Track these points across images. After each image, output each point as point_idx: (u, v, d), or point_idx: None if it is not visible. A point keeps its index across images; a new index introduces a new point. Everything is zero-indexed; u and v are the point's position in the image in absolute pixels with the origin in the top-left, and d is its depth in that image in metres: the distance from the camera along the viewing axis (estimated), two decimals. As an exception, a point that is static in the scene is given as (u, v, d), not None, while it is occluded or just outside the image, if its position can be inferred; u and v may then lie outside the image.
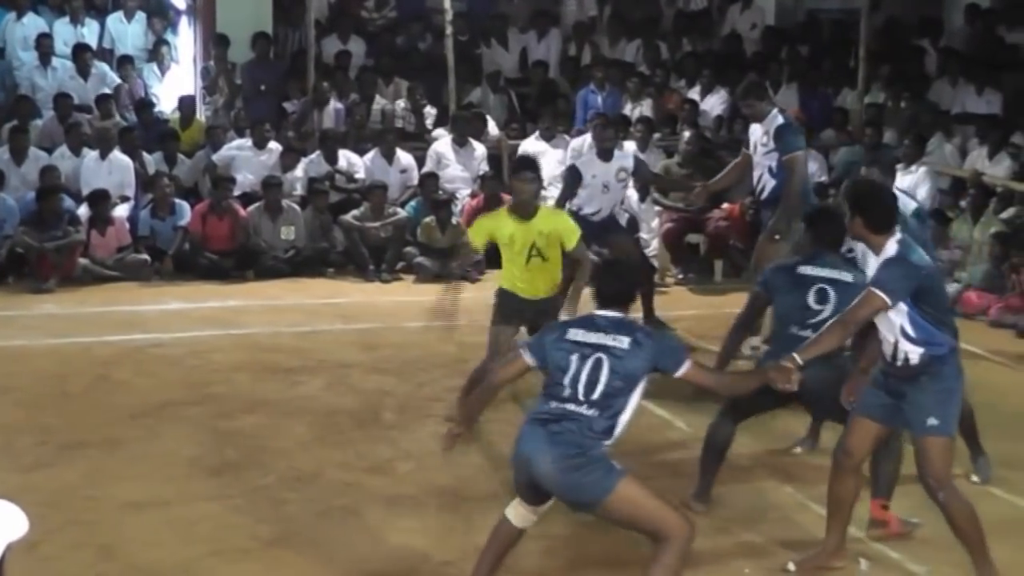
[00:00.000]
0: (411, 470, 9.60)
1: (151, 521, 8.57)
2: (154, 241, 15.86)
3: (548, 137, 17.56)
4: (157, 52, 18.87)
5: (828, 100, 19.50)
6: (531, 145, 17.51)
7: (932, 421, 7.41)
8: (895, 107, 18.93)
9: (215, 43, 18.48)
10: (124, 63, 18.45)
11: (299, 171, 16.95)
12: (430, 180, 16.64)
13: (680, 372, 7.07)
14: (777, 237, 11.62)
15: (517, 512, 7.14)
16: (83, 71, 18.12)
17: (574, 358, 6.99)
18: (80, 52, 18.23)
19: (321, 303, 14.74)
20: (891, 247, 7.42)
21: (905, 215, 8.77)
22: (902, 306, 7.32)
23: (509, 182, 11.42)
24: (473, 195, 16.91)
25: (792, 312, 8.88)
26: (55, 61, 18.19)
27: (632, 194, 16.00)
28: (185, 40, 18.95)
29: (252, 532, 8.45)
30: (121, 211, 15.91)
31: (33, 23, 18.55)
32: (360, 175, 17.01)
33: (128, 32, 19.16)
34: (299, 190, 16.72)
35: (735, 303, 12.13)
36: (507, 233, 10.09)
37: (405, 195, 16.98)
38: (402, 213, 16.38)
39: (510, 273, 10.20)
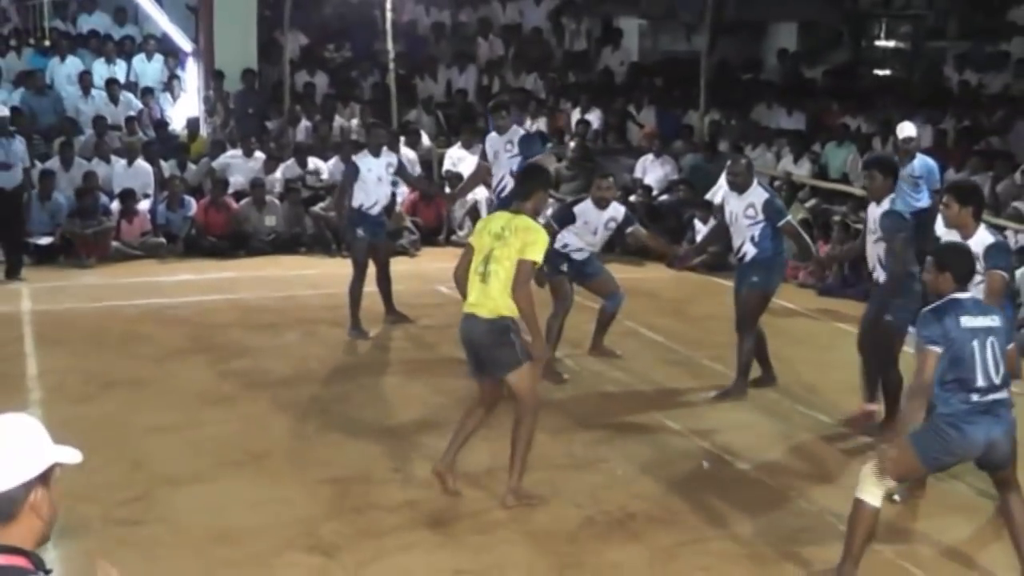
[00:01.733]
0: (366, 399, 9.65)
1: (169, 441, 8.61)
2: (169, 228, 15.77)
3: (467, 146, 17.56)
4: (171, 84, 18.75)
5: (678, 119, 19.56)
6: (455, 152, 17.55)
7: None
8: (728, 124, 19.06)
9: (214, 77, 18.38)
10: (146, 93, 18.34)
11: (278, 174, 16.88)
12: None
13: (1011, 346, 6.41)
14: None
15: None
16: (114, 99, 18.01)
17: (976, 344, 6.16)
18: (111, 85, 18.14)
19: (295, 274, 14.68)
20: (988, 235, 7.27)
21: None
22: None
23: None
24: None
25: None
26: (93, 92, 18.05)
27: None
28: (191, 75, 18.78)
29: (245, 448, 8.48)
30: (144, 205, 15.82)
31: (73, 63, 18.38)
32: (325, 176, 16.97)
33: (148, 69, 19.01)
34: (278, 188, 16.64)
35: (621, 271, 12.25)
36: None
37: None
38: (357, 205, 16.34)
39: None
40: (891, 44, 25.40)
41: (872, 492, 6.34)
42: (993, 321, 6.21)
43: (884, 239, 8.57)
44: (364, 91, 19.67)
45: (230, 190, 16.31)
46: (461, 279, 7.48)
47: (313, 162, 17.10)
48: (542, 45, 22.08)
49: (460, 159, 17.41)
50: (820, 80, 21.80)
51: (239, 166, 16.91)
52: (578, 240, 10.46)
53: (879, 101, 19.02)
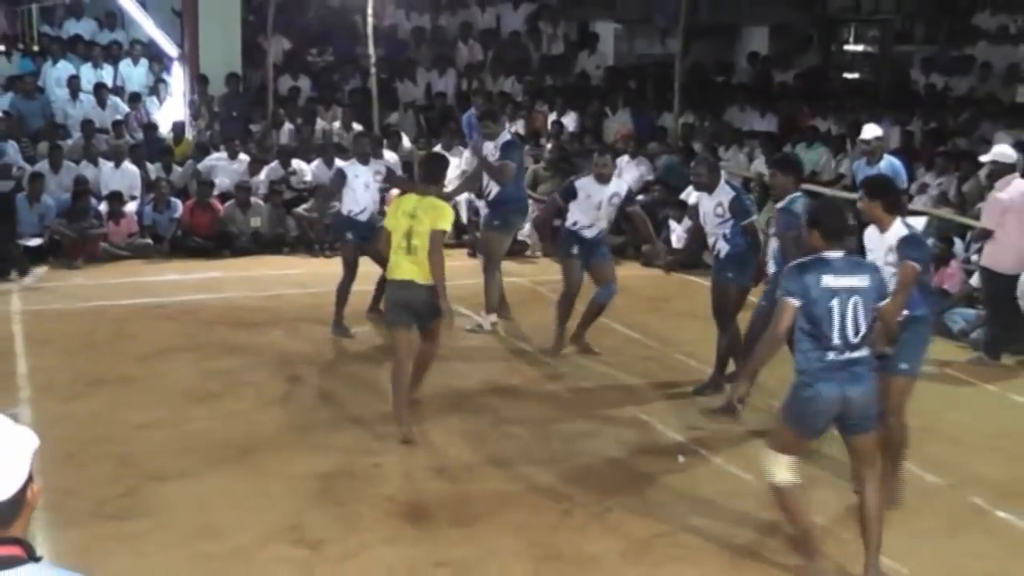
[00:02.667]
0: (348, 396, 9.65)
1: (156, 437, 8.58)
2: (155, 229, 15.72)
3: (447, 147, 17.56)
4: (156, 88, 18.67)
5: (652, 121, 19.56)
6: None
7: (904, 365, 7.28)
8: (701, 126, 19.09)
9: (199, 81, 18.33)
10: (132, 97, 18.26)
11: (262, 176, 16.83)
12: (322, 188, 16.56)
13: (884, 303, 6.52)
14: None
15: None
16: (102, 103, 17.90)
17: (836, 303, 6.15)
18: (99, 89, 18.05)
19: (279, 274, 14.62)
20: (901, 227, 7.21)
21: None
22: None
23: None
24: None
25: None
26: (81, 96, 17.99)
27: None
28: (177, 79, 18.71)
29: (231, 444, 8.47)
30: (131, 207, 15.77)
31: (64, 67, 18.30)
32: (308, 178, 16.92)
33: (135, 74, 18.94)
34: (262, 190, 16.61)
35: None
36: None
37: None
38: (339, 206, 16.30)
39: None
40: (860, 48, 25.54)
41: (777, 472, 6.42)
42: (861, 282, 6.19)
43: (777, 235, 8.71)
44: (346, 94, 19.64)
45: (215, 192, 16.25)
46: (384, 253, 8.81)
47: (296, 164, 17.05)
48: (520, 49, 22.07)
49: (440, 160, 17.46)
50: (791, 83, 21.87)
51: (224, 168, 16.87)
52: (585, 216, 10.79)
53: (848, 103, 19.09)
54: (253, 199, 16.07)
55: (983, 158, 11.75)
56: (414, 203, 8.60)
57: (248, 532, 6.98)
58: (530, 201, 16.59)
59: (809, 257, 6.36)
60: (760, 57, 22.82)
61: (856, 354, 6.19)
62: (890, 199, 7.35)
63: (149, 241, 15.49)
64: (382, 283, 11.83)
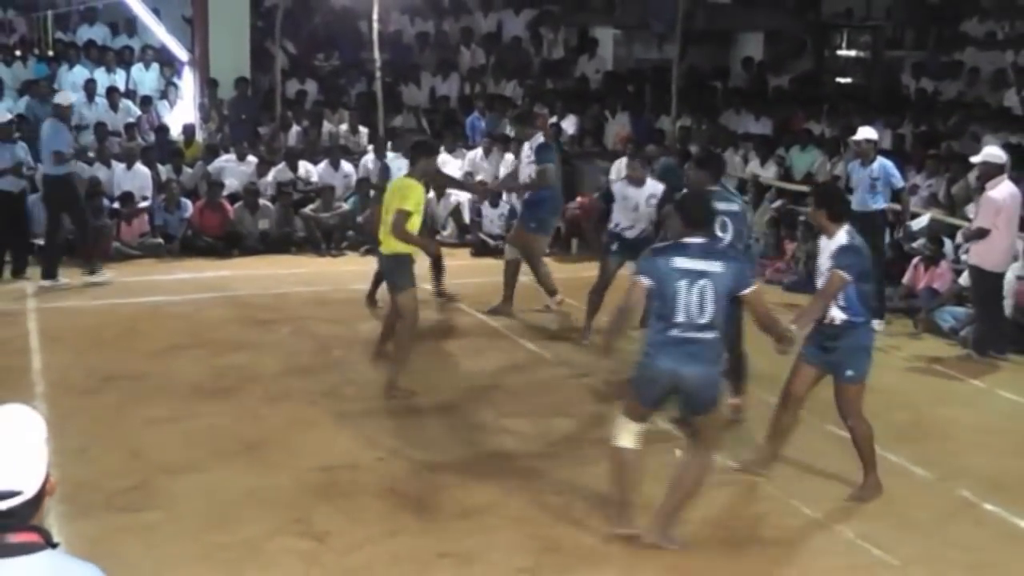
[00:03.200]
0: (353, 393, 9.64)
1: (166, 431, 8.59)
2: (166, 229, 15.72)
3: (451, 150, 17.60)
4: (167, 92, 18.69)
5: (651, 124, 19.53)
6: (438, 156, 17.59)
7: (850, 372, 7.36)
8: (698, 128, 19.06)
9: (208, 85, 18.35)
10: (144, 100, 18.27)
11: (270, 177, 16.85)
12: (364, 183, 16.59)
13: (749, 291, 6.53)
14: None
15: None
16: (114, 106, 17.92)
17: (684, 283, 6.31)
18: (112, 93, 18.05)
19: (287, 272, 14.61)
20: (843, 236, 7.28)
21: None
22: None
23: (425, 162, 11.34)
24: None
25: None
26: (96, 99, 18.02)
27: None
28: (187, 83, 18.72)
29: (239, 438, 8.48)
30: (142, 207, 15.77)
31: (80, 72, 18.32)
32: (314, 179, 16.93)
33: (146, 78, 18.94)
34: (270, 191, 16.63)
35: (585, 269, 12.31)
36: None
37: (347, 193, 16.90)
38: (345, 206, 16.30)
39: None
40: (852, 53, 25.53)
41: (620, 436, 6.70)
42: (713, 268, 6.30)
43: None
44: (352, 98, 19.63)
45: (224, 192, 16.24)
46: (374, 230, 9.86)
47: (303, 166, 17.06)
48: (521, 54, 22.06)
49: (444, 162, 17.40)
50: (785, 87, 21.86)
51: (232, 170, 16.86)
52: (624, 218, 11.09)
53: (841, 107, 19.07)
54: (262, 201, 16.06)
55: (974, 159, 11.77)
56: (396, 184, 9.69)
57: (256, 524, 6.98)
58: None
59: (669, 242, 6.67)
60: (755, 62, 22.80)
61: (699, 335, 6.31)
62: (835, 208, 7.40)
63: (160, 241, 15.49)
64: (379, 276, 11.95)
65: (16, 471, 2.97)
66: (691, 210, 6.55)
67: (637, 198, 11.01)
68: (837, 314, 7.29)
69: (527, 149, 11.95)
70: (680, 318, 6.28)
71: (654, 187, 11.09)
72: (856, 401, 7.46)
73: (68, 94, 14.70)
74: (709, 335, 6.33)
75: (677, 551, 6.73)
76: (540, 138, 12.05)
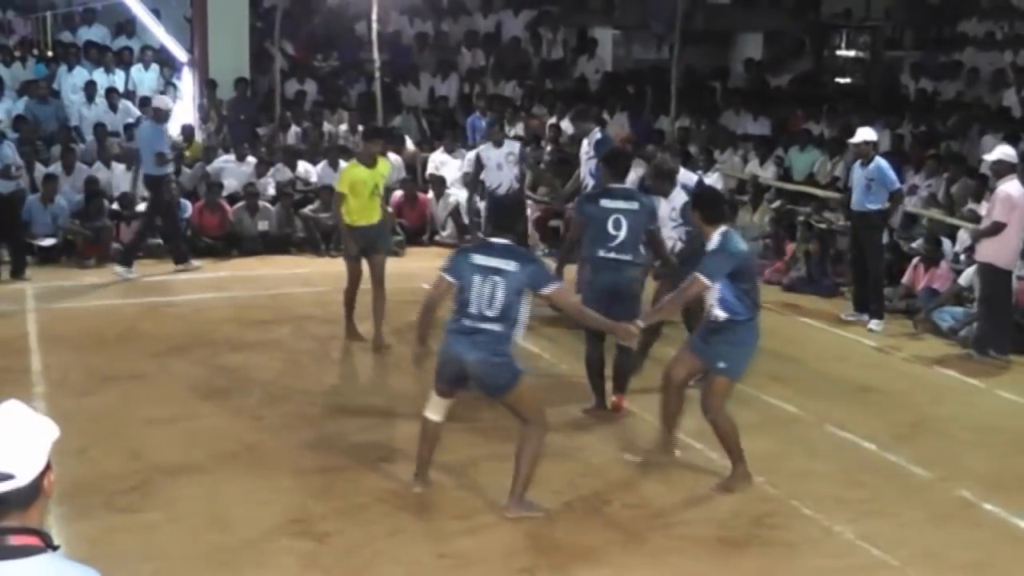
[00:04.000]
0: (353, 392, 9.66)
1: (166, 432, 8.59)
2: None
3: (450, 151, 17.60)
4: (167, 92, 18.68)
5: (650, 124, 19.53)
6: (437, 157, 17.60)
7: (721, 364, 7.49)
8: (697, 129, 19.07)
9: (208, 86, 18.35)
10: (143, 101, 18.27)
11: (269, 177, 16.88)
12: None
13: (549, 290, 6.98)
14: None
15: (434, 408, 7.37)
16: (113, 107, 17.94)
17: (477, 278, 6.86)
18: (111, 93, 18.07)
19: (287, 273, 14.64)
20: (716, 239, 7.41)
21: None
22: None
23: (362, 145, 11.92)
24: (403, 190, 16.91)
25: (599, 236, 8.78)
26: (96, 99, 18.02)
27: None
28: (187, 83, 18.73)
29: (238, 439, 8.48)
30: (141, 208, 15.74)
31: (80, 73, 18.33)
32: (314, 180, 16.93)
33: (146, 78, 18.93)
34: (270, 192, 16.64)
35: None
36: (361, 178, 10.90)
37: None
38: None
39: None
40: (851, 53, 25.54)
41: (428, 408, 7.33)
42: (507, 266, 6.82)
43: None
44: (351, 98, 19.63)
45: (224, 193, 16.23)
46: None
47: (303, 166, 17.06)
48: (520, 54, 22.07)
49: (443, 163, 17.48)
50: (785, 87, 21.86)
51: (232, 170, 16.86)
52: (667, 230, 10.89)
53: (840, 107, 19.08)
54: (262, 203, 16.04)
55: (988, 156, 11.85)
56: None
57: (256, 525, 6.98)
58: (529, 202, 16.71)
59: (478, 243, 7.27)
60: (754, 62, 22.82)
61: (486, 326, 6.82)
62: (708, 212, 7.55)
63: (159, 241, 15.46)
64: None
65: (7, 455, 2.97)
66: (500, 218, 7.32)
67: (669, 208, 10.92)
68: (719, 313, 7.46)
69: (585, 146, 11.94)
70: (472, 309, 6.82)
71: (685, 176, 10.79)
72: (721, 396, 7.61)
73: (166, 98, 15.01)
74: (496, 327, 6.82)
75: (680, 554, 6.73)
76: (598, 134, 11.97)
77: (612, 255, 8.73)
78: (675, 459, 8.12)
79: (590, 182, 11.80)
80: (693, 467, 8.12)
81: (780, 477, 7.93)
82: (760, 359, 10.51)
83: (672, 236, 9.66)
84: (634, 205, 8.82)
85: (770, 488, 7.76)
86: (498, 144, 13.10)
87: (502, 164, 12.92)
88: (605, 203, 8.84)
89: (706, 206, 7.60)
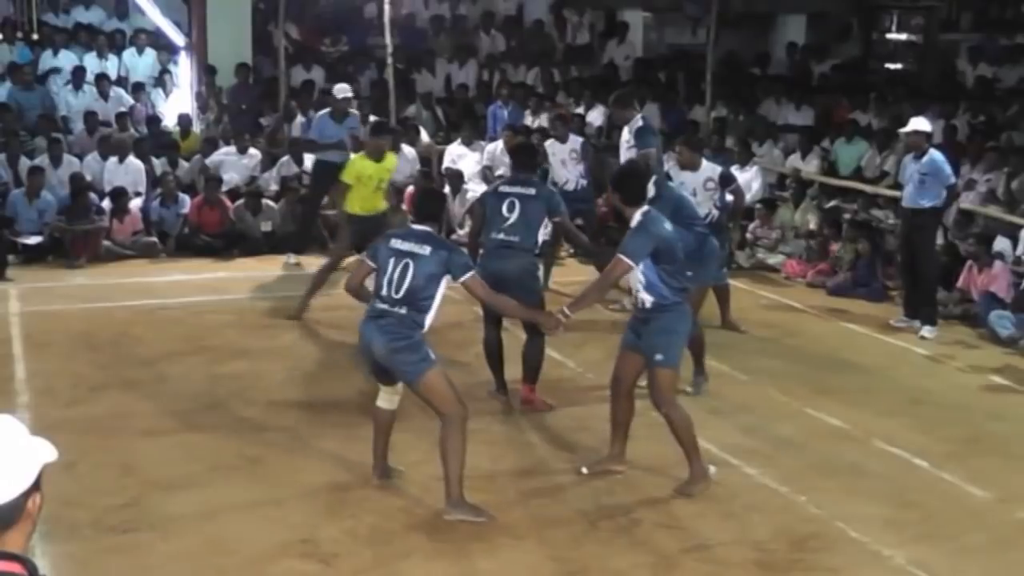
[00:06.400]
0: (363, 403, 9.63)
1: (161, 445, 8.60)
2: (161, 226, 15.77)
3: (468, 143, 17.61)
4: (162, 79, 18.75)
5: (683, 114, 19.48)
6: (454, 149, 17.59)
7: (659, 356, 7.65)
8: (734, 120, 19.04)
9: (207, 72, 18.42)
10: (137, 88, 18.34)
11: (274, 171, 16.92)
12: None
13: (462, 279, 7.34)
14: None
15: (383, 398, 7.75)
16: (104, 95, 18.02)
17: (392, 261, 7.29)
18: (101, 80, 18.14)
19: (292, 274, 14.62)
20: (636, 217, 7.67)
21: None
22: (642, 265, 7.56)
23: (370, 139, 12.26)
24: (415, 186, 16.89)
25: (493, 219, 9.31)
26: (84, 86, 18.09)
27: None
28: (184, 69, 18.80)
29: (240, 452, 8.49)
30: (135, 203, 15.81)
31: (66, 57, 18.43)
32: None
33: (140, 64, 19.03)
34: (274, 186, 16.68)
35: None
36: (368, 172, 11.79)
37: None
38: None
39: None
40: (902, 37, 25.41)
41: (378, 397, 7.74)
42: (421, 251, 7.25)
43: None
44: (361, 86, 19.64)
45: (223, 188, 16.26)
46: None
47: (310, 159, 17.06)
48: (544, 39, 22.09)
49: (460, 156, 17.46)
50: (829, 74, 21.79)
51: (233, 163, 16.90)
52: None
53: (890, 96, 19.00)
54: (265, 202, 16.06)
55: None
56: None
57: (258, 545, 6.99)
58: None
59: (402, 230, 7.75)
60: (797, 47, 22.74)
61: (391, 309, 7.23)
62: (626, 192, 7.81)
63: (154, 239, 15.51)
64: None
65: None
66: (422, 206, 7.73)
67: (694, 183, 11.00)
68: (645, 297, 7.70)
69: (626, 134, 11.98)
70: (384, 292, 7.26)
71: (711, 170, 11.12)
72: (668, 388, 7.79)
73: (345, 87, 15.16)
74: (401, 310, 7.19)
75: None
76: (640, 121, 12.00)
77: (502, 236, 9.24)
78: (626, 471, 8.20)
79: None
80: (728, 484, 8.09)
81: (824, 496, 7.90)
82: (803, 369, 10.57)
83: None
84: (530, 191, 9.41)
85: (813, 508, 7.73)
86: (562, 140, 13.47)
87: (566, 160, 13.31)
88: (504, 189, 9.54)
89: (625, 187, 7.86)
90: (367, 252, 7.69)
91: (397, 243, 7.37)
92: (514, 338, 9.79)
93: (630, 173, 8.49)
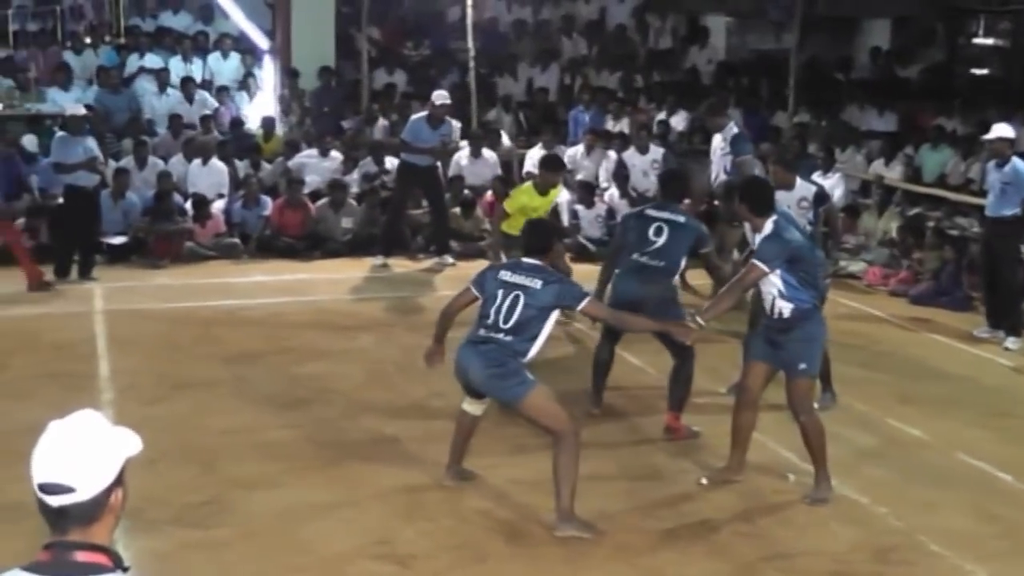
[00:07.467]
0: (441, 406, 9.63)
1: (240, 444, 8.67)
2: (244, 228, 15.89)
3: (549, 147, 17.57)
4: (246, 83, 18.92)
5: (765, 120, 19.35)
6: (535, 154, 17.54)
7: (803, 365, 7.61)
8: (817, 125, 18.89)
9: (290, 75, 18.57)
10: (221, 91, 18.53)
11: (355, 174, 17.00)
12: (456, 181, 16.64)
13: (580, 308, 7.40)
14: (735, 224, 11.49)
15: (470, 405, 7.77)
16: (189, 98, 18.21)
17: (500, 292, 7.30)
18: (187, 83, 18.34)
19: (372, 276, 14.71)
20: (768, 226, 7.58)
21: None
22: (778, 271, 7.50)
23: (540, 173, 11.90)
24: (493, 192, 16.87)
25: (638, 242, 9.11)
26: (168, 89, 18.30)
27: (613, 191, 16.08)
28: (267, 73, 18.97)
29: (318, 453, 8.53)
30: (218, 205, 15.95)
31: (152, 60, 18.66)
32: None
33: (224, 67, 19.24)
34: (355, 188, 16.75)
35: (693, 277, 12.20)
36: (532, 206, 11.31)
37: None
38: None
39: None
40: (990, 41, 25.04)
41: (464, 402, 7.79)
42: (531, 283, 7.28)
43: None
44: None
45: (305, 190, 16.35)
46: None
47: (391, 162, 17.12)
48: (626, 43, 22.04)
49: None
50: (914, 79, 21.55)
51: (314, 166, 17.00)
52: None
53: (976, 101, 18.75)
54: (348, 199, 16.14)
55: None
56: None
57: (335, 545, 7.01)
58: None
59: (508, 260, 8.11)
60: (881, 52, 22.51)
61: (496, 336, 7.24)
62: (754, 202, 7.73)
63: (236, 241, 15.62)
64: None
65: (69, 467, 2.98)
66: (530, 239, 7.66)
67: (788, 201, 10.68)
68: (783, 305, 7.60)
69: (719, 140, 11.91)
70: (491, 320, 7.26)
71: (805, 190, 10.19)
72: (808, 395, 7.87)
73: (444, 93, 15.44)
74: (506, 338, 7.22)
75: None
76: (734, 128, 11.91)
77: (645, 260, 9.06)
78: (743, 480, 8.15)
79: (723, 180, 11.81)
80: (806, 493, 7.99)
81: (905, 508, 7.80)
82: (884, 378, 10.45)
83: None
84: (680, 219, 9.18)
85: (894, 520, 7.63)
86: (643, 151, 13.35)
87: (647, 171, 13.26)
88: (651, 213, 9.27)
89: (752, 198, 7.78)
90: (472, 281, 7.63)
91: (506, 275, 7.39)
92: (586, 351, 9.76)
93: (757, 183, 8.49)
